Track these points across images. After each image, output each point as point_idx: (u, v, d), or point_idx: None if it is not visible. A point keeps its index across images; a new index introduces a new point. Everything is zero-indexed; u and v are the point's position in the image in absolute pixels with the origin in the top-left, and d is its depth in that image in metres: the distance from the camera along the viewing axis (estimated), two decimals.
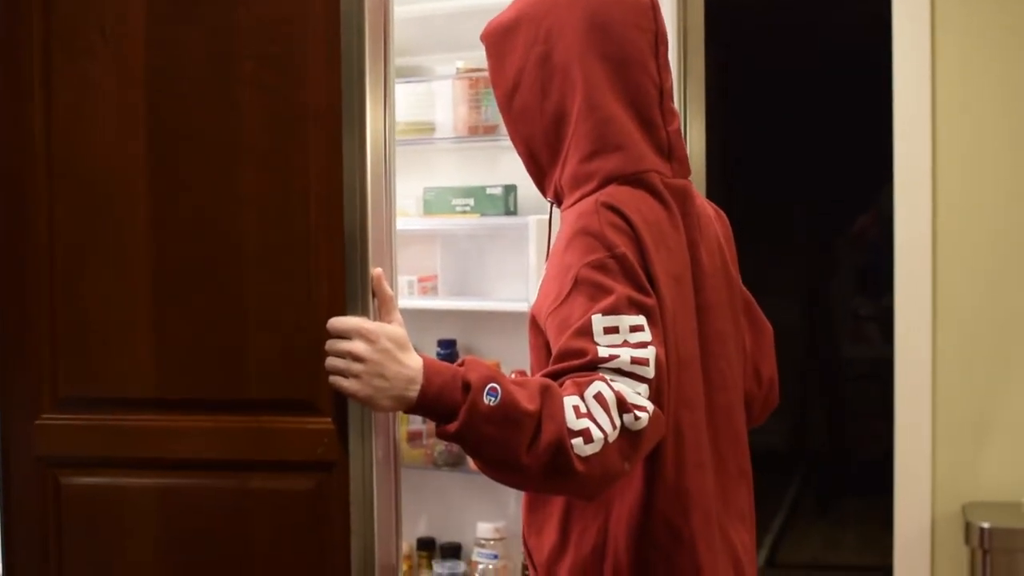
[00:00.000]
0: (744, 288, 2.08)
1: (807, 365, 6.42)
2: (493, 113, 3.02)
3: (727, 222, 2.08)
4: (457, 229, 3.17)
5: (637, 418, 1.66)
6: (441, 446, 3.12)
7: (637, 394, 1.68)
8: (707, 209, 2.01)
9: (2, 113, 1.89)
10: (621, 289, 1.72)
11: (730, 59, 5.63)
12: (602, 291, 1.72)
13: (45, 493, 1.89)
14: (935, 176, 3.48)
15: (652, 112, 1.89)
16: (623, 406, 1.66)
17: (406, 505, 1.91)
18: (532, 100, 1.89)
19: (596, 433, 1.64)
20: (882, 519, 3.76)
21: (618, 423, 1.65)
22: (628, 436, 1.67)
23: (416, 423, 3.18)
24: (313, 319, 1.77)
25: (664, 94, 1.91)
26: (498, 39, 1.95)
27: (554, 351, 1.74)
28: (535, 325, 1.86)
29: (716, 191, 2.56)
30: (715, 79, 2.88)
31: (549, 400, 1.65)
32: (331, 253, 1.78)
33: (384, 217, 1.80)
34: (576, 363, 1.69)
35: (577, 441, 1.64)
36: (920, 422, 3.52)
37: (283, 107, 1.80)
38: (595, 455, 1.64)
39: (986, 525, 3.27)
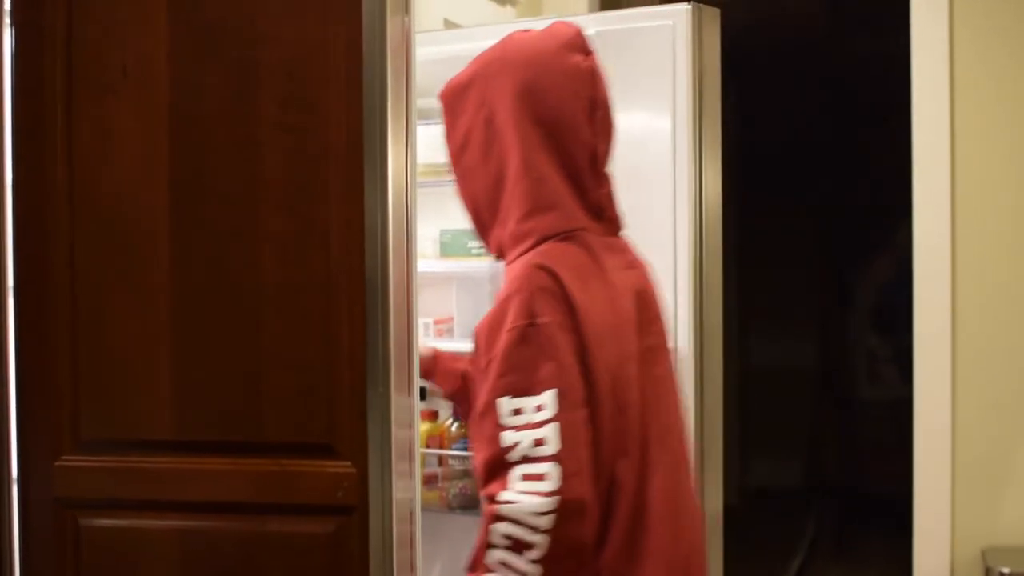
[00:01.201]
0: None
1: (823, 405, 6.40)
2: None
3: (649, 273, 2.14)
4: (473, 271, 3.17)
5: (535, 529, 1.78)
6: (456, 488, 3.10)
7: (538, 482, 1.79)
8: (639, 261, 2.11)
9: (24, 153, 1.89)
10: (532, 366, 1.83)
11: (746, 96, 5.64)
12: (514, 370, 1.82)
13: (64, 534, 1.88)
14: (954, 213, 3.47)
15: (583, 176, 1.98)
16: (519, 545, 1.77)
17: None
18: (478, 159, 1.97)
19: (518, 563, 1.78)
20: (900, 561, 3.73)
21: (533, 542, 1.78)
22: (546, 535, 1.78)
23: (431, 465, 3.16)
24: (333, 362, 1.77)
25: (597, 158, 2.00)
26: (452, 98, 2.03)
27: (476, 407, 1.87)
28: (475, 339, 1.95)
29: (731, 228, 2.57)
30: (730, 119, 2.89)
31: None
32: (352, 295, 1.77)
33: (405, 258, 1.80)
34: (490, 457, 1.81)
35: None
36: (939, 464, 3.49)
37: (304, 147, 1.80)
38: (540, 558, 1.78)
39: (1006, 570, 3.23)
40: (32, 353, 1.89)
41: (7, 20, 1.89)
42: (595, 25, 2.60)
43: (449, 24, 3.21)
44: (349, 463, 1.77)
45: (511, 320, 1.84)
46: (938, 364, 3.47)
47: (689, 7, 2.51)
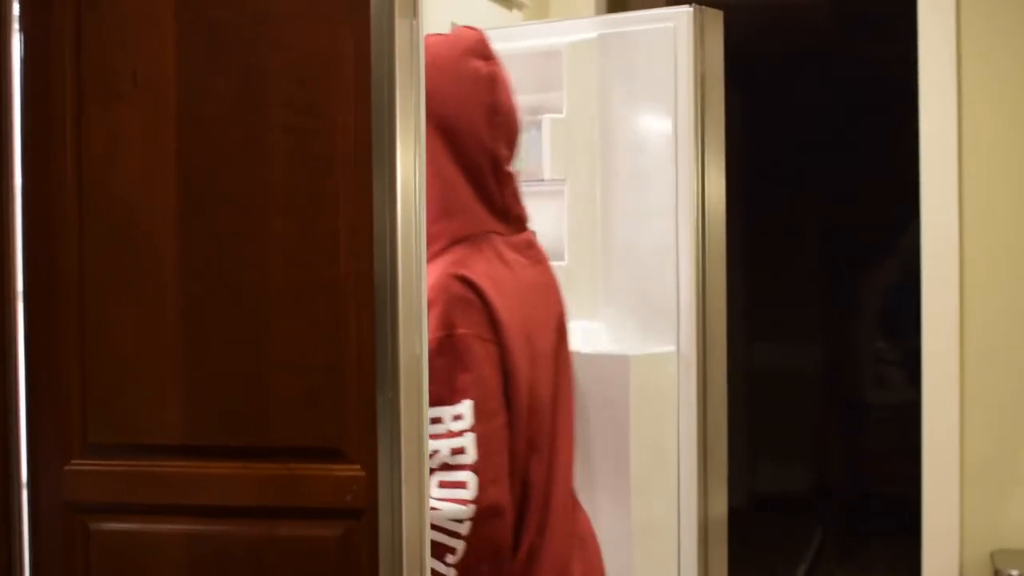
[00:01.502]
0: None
1: (829, 409, 6.39)
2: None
3: (552, 268, 2.25)
4: None
5: (455, 534, 1.90)
6: None
7: (458, 490, 1.90)
8: (543, 256, 2.21)
9: (34, 158, 1.89)
10: (450, 377, 1.93)
11: (750, 99, 5.64)
12: (433, 381, 1.84)
13: (74, 539, 1.88)
14: (962, 216, 3.47)
15: (485, 180, 2.06)
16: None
17: None
18: None
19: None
20: (908, 565, 3.73)
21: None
22: (465, 540, 1.90)
23: None
24: (342, 365, 1.77)
25: (498, 161, 2.07)
26: None
27: None
28: None
29: (735, 233, 2.57)
30: (735, 121, 2.89)
31: None
32: (360, 299, 1.77)
33: (414, 261, 1.80)
34: None
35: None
36: (948, 468, 3.49)
37: (312, 151, 1.80)
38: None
39: (1015, 573, 3.24)
40: (41, 357, 1.90)
41: (16, 26, 1.89)
42: (597, 28, 2.60)
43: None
44: (358, 466, 1.77)
45: (429, 331, 1.89)
46: (946, 367, 3.47)
47: (691, 9, 2.51)
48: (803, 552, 5.76)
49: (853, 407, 6.40)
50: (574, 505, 2.19)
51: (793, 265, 6.26)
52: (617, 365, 2.42)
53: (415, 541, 1.79)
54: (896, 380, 5.98)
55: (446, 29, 3.17)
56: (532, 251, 2.16)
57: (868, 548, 5.96)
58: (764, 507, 6.29)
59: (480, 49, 2.10)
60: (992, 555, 3.38)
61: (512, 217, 2.13)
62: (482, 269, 2.00)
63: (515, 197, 2.13)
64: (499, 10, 3.48)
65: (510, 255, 2.08)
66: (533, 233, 2.19)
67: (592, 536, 2.26)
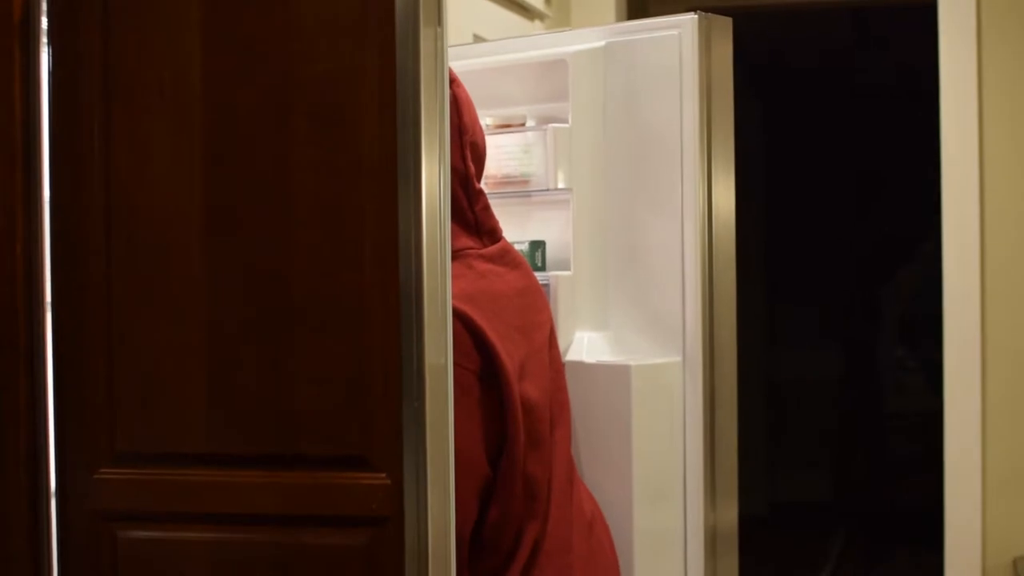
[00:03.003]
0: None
1: (851, 417, 6.39)
2: (523, 167, 3.03)
3: (530, 270, 2.35)
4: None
5: None
6: None
7: None
8: (520, 260, 2.28)
9: (62, 170, 1.91)
10: None
11: (770, 107, 5.64)
12: None
13: (102, 547, 1.89)
14: (983, 223, 3.46)
15: (457, 197, 2.10)
16: None
17: None
18: None
19: None
20: (931, 571, 3.72)
21: None
22: None
23: None
24: (368, 374, 1.78)
25: (468, 180, 2.15)
26: None
27: None
28: None
29: (752, 241, 2.56)
30: (754, 130, 2.88)
31: None
32: (385, 309, 1.78)
33: (439, 271, 1.81)
34: None
35: None
36: (970, 474, 3.48)
37: (338, 163, 1.82)
38: None
39: None
40: (69, 366, 1.91)
41: (44, 40, 1.91)
42: (604, 37, 2.59)
43: (478, 39, 3.23)
44: (384, 475, 1.78)
45: None
46: (968, 374, 3.47)
47: (695, 16, 2.49)
48: (824, 559, 5.74)
49: (875, 414, 6.39)
50: (575, 490, 2.25)
51: (815, 273, 6.25)
52: (619, 375, 2.40)
53: (441, 549, 1.79)
54: (918, 387, 5.96)
55: (468, 39, 3.19)
56: (507, 258, 2.24)
57: (890, 555, 5.94)
58: (785, 514, 6.28)
59: None
60: (1015, 561, 3.37)
61: (485, 231, 2.20)
62: (458, 288, 2.03)
63: (485, 211, 2.20)
64: (520, 20, 3.49)
65: (484, 267, 2.15)
66: (507, 242, 2.28)
67: (600, 519, 2.31)
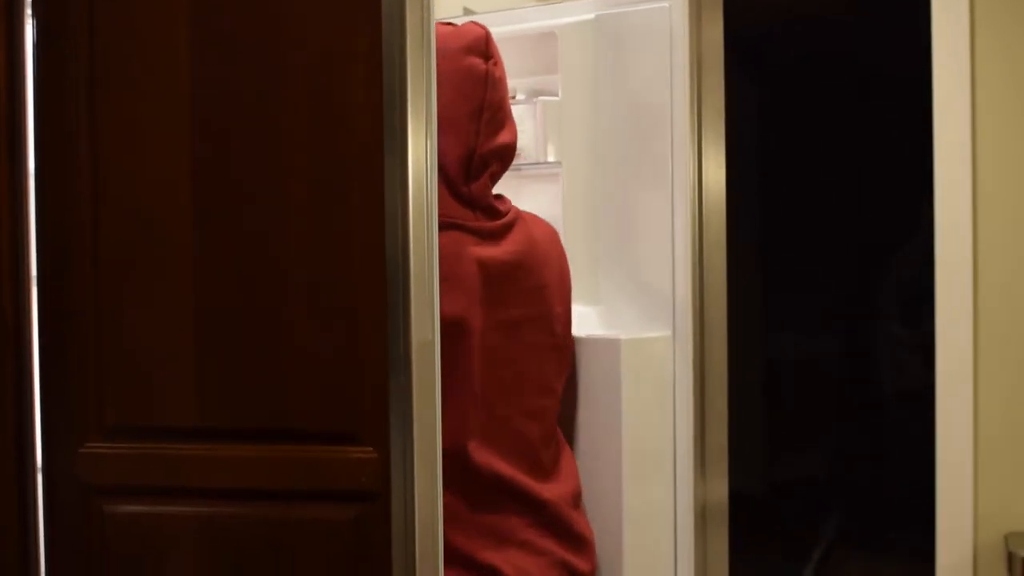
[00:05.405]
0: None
1: (844, 396, 6.39)
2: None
3: (534, 249, 2.30)
4: None
5: None
6: None
7: None
8: (519, 238, 2.25)
9: (49, 149, 1.90)
10: None
11: (765, 89, 5.63)
12: None
13: (89, 522, 1.90)
14: (976, 203, 3.46)
15: (452, 170, 2.13)
16: None
17: None
18: None
19: None
20: (922, 550, 3.72)
21: None
22: None
23: None
24: (356, 350, 1.78)
25: (474, 157, 2.15)
26: None
27: None
28: None
29: (748, 223, 2.55)
30: (751, 112, 2.87)
31: None
32: (374, 284, 1.78)
33: (425, 249, 1.81)
34: None
35: None
36: (961, 451, 3.48)
37: (326, 145, 1.81)
38: None
39: None
40: (55, 340, 1.91)
41: (28, 12, 1.90)
42: (594, 10, 2.58)
43: (468, 12, 3.21)
44: (371, 449, 1.79)
45: None
46: (960, 349, 3.47)
47: None
48: (819, 537, 5.76)
49: (871, 394, 6.39)
50: (548, 438, 2.30)
51: (811, 253, 6.25)
52: (609, 348, 2.40)
53: (428, 522, 1.80)
54: (914, 367, 5.96)
55: (458, 12, 3.18)
56: (507, 232, 2.22)
57: (883, 532, 5.95)
58: (781, 493, 6.29)
59: (480, 47, 2.15)
60: (1006, 537, 3.38)
61: (481, 207, 2.19)
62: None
63: (483, 189, 2.19)
64: None
65: (469, 242, 2.14)
66: (521, 222, 2.27)
67: (569, 458, 2.37)
